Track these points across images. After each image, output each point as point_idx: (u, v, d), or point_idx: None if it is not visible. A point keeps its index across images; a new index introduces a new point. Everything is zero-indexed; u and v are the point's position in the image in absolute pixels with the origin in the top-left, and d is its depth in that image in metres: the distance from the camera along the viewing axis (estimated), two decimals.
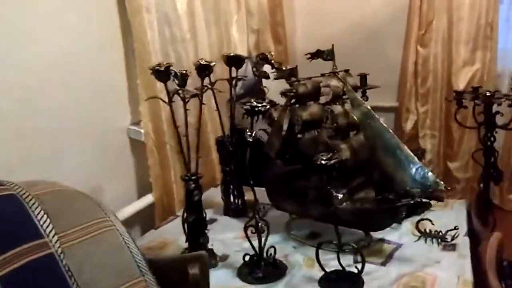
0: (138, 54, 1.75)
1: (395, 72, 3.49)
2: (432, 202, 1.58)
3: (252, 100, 1.17)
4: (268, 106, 1.19)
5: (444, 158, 3.46)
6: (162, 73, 1.22)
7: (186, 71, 1.32)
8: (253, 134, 1.18)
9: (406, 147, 1.26)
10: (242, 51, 2.49)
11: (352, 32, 3.51)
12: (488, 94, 1.69)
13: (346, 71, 1.49)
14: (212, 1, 2.19)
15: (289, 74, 1.54)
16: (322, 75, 1.42)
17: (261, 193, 1.57)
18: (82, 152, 1.67)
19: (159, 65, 1.22)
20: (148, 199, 1.93)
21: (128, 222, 1.88)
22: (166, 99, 1.29)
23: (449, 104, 3.25)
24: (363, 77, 1.67)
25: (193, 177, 1.35)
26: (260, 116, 1.21)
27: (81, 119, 1.66)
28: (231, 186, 1.80)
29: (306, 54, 1.54)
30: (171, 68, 1.24)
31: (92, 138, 1.72)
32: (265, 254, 1.37)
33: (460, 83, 3.21)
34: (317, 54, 1.50)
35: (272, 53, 2.20)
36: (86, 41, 1.65)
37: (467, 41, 3.13)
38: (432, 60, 3.28)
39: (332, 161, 1.13)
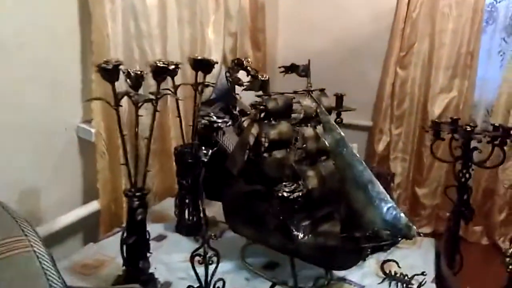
0: (96, 47, 1.57)
1: (372, 91, 3.42)
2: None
3: (211, 113, 1.02)
4: (229, 123, 1.04)
5: (412, 183, 3.42)
6: (109, 72, 1.05)
7: (141, 71, 1.15)
8: (209, 153, 1.02)
9: (378, 183, 1.14)
10: (217, 54, 2.34)
11: (334, 45, 3.43)
12: (468, 128, 1.60)
13: (322, 90, 1.36)
14: None
15: (260, 87, 1.39)
16: (295, 92, 1.28)
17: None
18: (19, 148, 1.48)
19: (107, 62, 1.04)
20: (94, 206, 1.75)
21: (70, 230, 1.70)
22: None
23: (422, 129, 3.22)
24: (339, 97, 1.54)
25: (138, 194, 1.18)
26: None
27: (23, 112, 1.47)
28: (187, 201, 1.64)
29: (280, 67, 1.40)
30: (121, 66, 1.06)
31: (34, 134, 1.53)
32: None
33: (436, 109, 3.18)
34: (291, 69, 1.37)
35: (249, 59, 2.06)
36: (36, 26, 1.46)
37: (447, 67, 3.10)
38: (410, 83, 3.23)
39: (296, 194, 0.99)
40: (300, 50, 3.56)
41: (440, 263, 1.40)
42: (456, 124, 1.71)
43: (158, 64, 1.12)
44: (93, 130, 1.65)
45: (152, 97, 1.14)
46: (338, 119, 1.50)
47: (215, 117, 1.02)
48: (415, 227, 1.10)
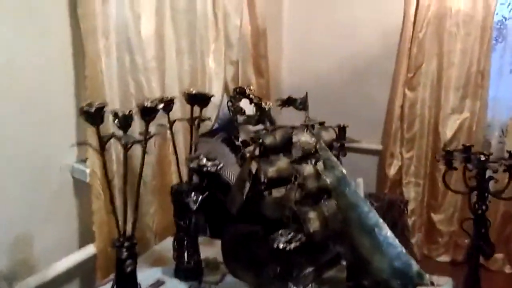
0: (89, 82, 1.52)
1: (381, 113, 3.34)
2: None
3: (202, 156, 0.95)
4: (220, 166, 0.96)
5: (427, 209, 3.27)
6: (92, 116, 0.99)
7: (130, 111, 1.09)
8: (199, 200, 0.95)
9: (385, 225, 1.04)
10: (218, 84, 2.30)
11: (339, 67, 3.37)
12: (482, 158, 1.49)
13: (322, 124, 1.28)
14: (186, 27, 1.98)
15: (257, 121, 1.32)
16: (293, 127, 1.21)
17: None
18: (9, 191, 1.42)
19: (89, 104, 0.99)
20: (90, 250, 1.67)
21: (65, 276, 1.62)
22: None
23: (435, 152, 3.11)
24: (341, 129, 1.45)
25: (127, 244, 1.10)
26: None
27: (13, 150, 1.41)
28: (185, 243, 1.55)
29: (277, 101, 1.33)
30: (105, 108, 1.01)
31: (25, 174, 1.47)
32: None
33: (448, 131, 3.07)
34: (288, 102, 1.30)
35: (252, 87, 2.01)
36: (28, 60, 1.42)
37: (457, 88, 3.00)
38: (419, 105, 3.13)
39: (293, 245, 0.90)
40: (305, 74, 3.51)
41: None
42: (469, 152, 1.60)
43: (145, 104, 1.05)
44: (87, 170, 1.58)
45: (141, 138, 1.07)
46: (342, 153, 1.41)
47: (204, 160, 0.94)
48: (427, 275, 1.00)
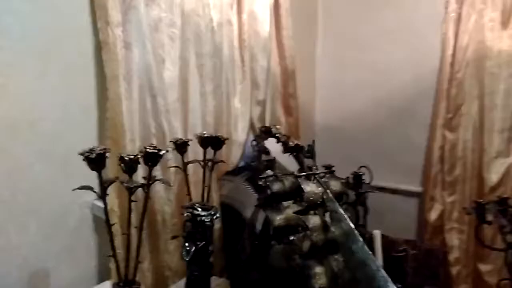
0: (110, 125, 1.57)
1: (419, 154, 3.19)
2: None
3: (196, 205, 0.93)
4: (216, 216, 0.93)
5: (474, 258, 3.02)
6: (93, 161, 1.01)
7: (137, 155, 1.10)
8: (192, 251, 0.91)
9: (395, 287, 0.95)
10: (243, 123, 2.30)
11: (375, 108, 3.29)
12: None
13: (330, 171, 1.22)
14: (212, 70, 2.03)
15: (266, 167, 1.29)
16: (296, 176, 1.16)
17: None
18: (28, 227, 1.47)
19: (91, 150, 1.01)
20: (108, 286, 1.67)
21: None
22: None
23: (480, 197, 2.89)
24: (357, 176, 1.39)
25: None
26: None
27: (33, 189, 1.47)
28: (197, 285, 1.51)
29: (282, 149, 1.30)
30: (106, 153, 1.02)
31: (45, 212, 1.51)
32: None
33: (493, 175, 2.86)
34: (296, 150, 1.26)
35: (278, 126, 2.00)
36: (50, 103, 1.50)
37: (501, 130, 2.81)
38: (461, 147, 2.95)
39: None
40: (339, 114, 3.46)
41: None
42: (506, 205, 1.47)
43: (148, 150, 1.06)
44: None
45: (144, 182, 1.08)
46: (358, 200, 1.34)
47: (200, 209, 0.92)
48: None
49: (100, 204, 1.67)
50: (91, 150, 1.01)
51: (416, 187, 3.22)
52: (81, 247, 1.65)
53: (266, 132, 1.92)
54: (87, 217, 1.66)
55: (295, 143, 1.33)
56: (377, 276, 0.96)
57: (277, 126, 1.96)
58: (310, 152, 1.21)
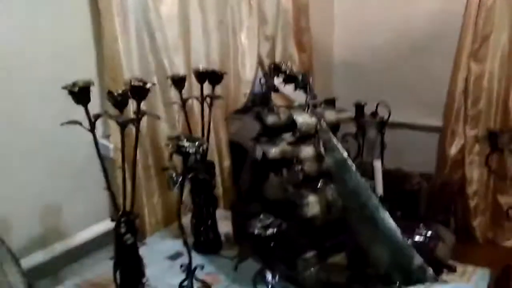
0: (107, 63, 1.55)
1: (442, 88, 3.05)
2: None
3: (181, 136, 0.91)
4: (204, 147, 0.92)
5: (494, 191, 2.96)
6: (78, 95, 1.00)
7: (126, 90, 1.08)
8: (178, 181, 0.91)
9: (388, 214, 0.94)
10: (251, 60, 2.23)
11: (396, 42, 3.12)
12: None
13: (329, 101, 1.17)
14: (215, 4, 1.94)
15: (261, 100, 1.25)
16: (289, 107, 1.12)
17: None
18: (37, 165, 1.52)
19: (74, 84, 1.00)
20: None
21: (94, 243, 1.71)
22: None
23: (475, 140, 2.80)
24: (359, 107, 1.33)
25: (123, 218, 1.12)
26: None
27: (39, 128, 1.50)
28: (202, 218, 1.56)
29: (279, 77, 1.25)
30: (90, 86, 1.01)
31: (53, 150, 1.56)
32: None
33: None
34: (290, 79, 1.21)
35: (289, 63, 1.93)
36: (47, 41, 1.48)
37: None
38: (487, 78, 2.80)
39: (270, 231, 0.84)
40: (359, 48, 3.30)
41: None
42: None
43: (133, 84, 1.04)
44: (111, 146, 1.64)
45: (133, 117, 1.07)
46: (358, 131, 1.30)
47: (185, 141, 0.91)
48: (431, 270, 0.89)
49: (105, 142, 1.70)
50: (74, 84, 1.00)
51: (436, 122, 3.12)
52: (91, 184, 1.70)
53: (276, 69, 1.85)
54: (94, 155, 1.70)
55: (290, 73, 1.27)
56: (368, 203, 0.94)
57: (288, 63, 1.88)
58: (304, 82, 1.15)
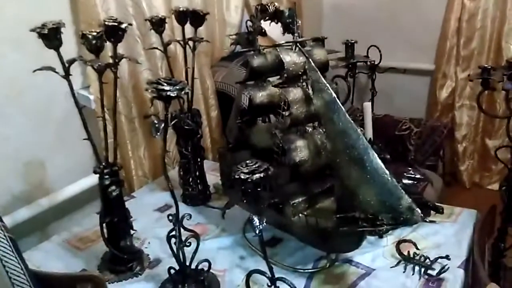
0: (82, 7, 1.44)
1: (435, 29, 2.96)
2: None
3: (161, 80, 0.85)
4: (186, 90, 0.86)
5: (482, 134, 2.97)
6: (47, 37, 0.92)
7: (99, 32, 1.00)
8: (161, 128, 0.86)
9: (376, 156, 0.90)
10: (236, 1, 2.11)
11: None
12: None
13: (318, 39, 1.10)
14: None
15: (247, 40, 1.18)
16: (275, 46, 1.05)
17: None
18: (16, 119, 1.45)
19: (44, 25, 0.91)
20: None
21: (80, 198, 1.68)
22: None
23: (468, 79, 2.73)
24: (349, 45, 1.26)
25: (106, 170, 1.08)
26: None
27: (15, 80, 1.41)
28: (190, 170, 1.53)
29: (262, 14, 1.17)
30: (62, 28, 0.92)
31: (30, 103, 1.48)
32: (195, 268, 1.11)
33: None
34: (275, 16, 1.13)
35: (276, 4, 1.82)
36: None
37: None
38: (480, 16, 2.71)
39: (256, 176, 0.81)
40: None
41: (473, 247, 1.14)
42: None
43: (108, 23, 0.96)
44: (91, 97, 1.57)
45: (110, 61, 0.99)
46: (350, 73, 1.24)
47: (165, 84, 0.85)
48: (418, 210, 0.87)
49: (83, 92, 1.62)
50: (43, 25, 0.91)
51: (428, 65, 3.06)
52: (72, 136, 1.63)
53: (263, 11, 1.74)
54: (74, 106, 1.63)
55: (274, 8, 1.18)
56: (357, 144, 0.91)
57: (275, 4, 1.77)
58: (291, 17, 1.07)
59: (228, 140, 1.33)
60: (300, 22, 1.24)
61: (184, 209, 1.54)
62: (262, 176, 0.81)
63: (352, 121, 0.93)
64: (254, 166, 0.83)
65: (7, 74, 1.41)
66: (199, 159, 1.50)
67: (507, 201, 1.45)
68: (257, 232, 0.85)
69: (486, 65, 1.34)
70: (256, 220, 0.84)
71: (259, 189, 0.83)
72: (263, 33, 1.58)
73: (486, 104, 2.83)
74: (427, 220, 1.10)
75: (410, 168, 2.11)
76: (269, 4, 1.50)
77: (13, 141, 1.45)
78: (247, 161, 0.85)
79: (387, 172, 0.90)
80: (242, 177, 0.81)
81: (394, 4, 3.04)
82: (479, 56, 2.80)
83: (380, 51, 2.82)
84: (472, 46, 2.80)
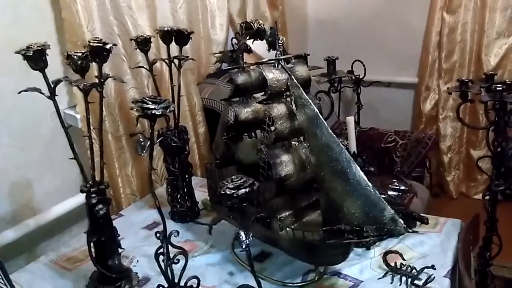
0: (67, 26, 1.46)
1: (417, 44, 3.04)
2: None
3: (146, 98, 0.86)
4: (171, 108, 0.87)
5: (467, 145, 3.03)
6: (33, 59, 0.93)
7: (85, 52, 1.01)
8: (147, 146, 0.88)
9: (359, 168, 0.92)
10: (222, 19, 2.15)
11: None
12: (498, 87, 1.28)
13: (300, 56, 1.13)
14: None
15: (231, 58, 1.20)
16: (258, 63, 1.08)
17: None
18: (7, 139, 1.45)
19: (29, 47, 0.92)
20: None
21: (68, 218, 1.67)
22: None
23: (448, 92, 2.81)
24: (330, 62, 1.29)
25: (93, 189, 1.08)
26: None
27: (1, 99, 1.41)
28: (178, 186, 1.53)
29: (245, 33, 1.19)
30: (46, 49, 0.94)
31: (16, 123, 1.48)
32: (183, 285, 1.10)
33: (492, 58, 2.74)
34: (258, 35, 1.16)
35: (260, 21, 1.86)
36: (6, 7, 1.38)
37: (505, 8, 2.63)
38: (459, 30, 2.80)
39: (241, 191, 0.82)
40: (332, 6, 3.24)
41: (457, 257, 1.16)
42: (491, 81, 1.39)
43: (92, 44, 0.97)
44: (78, 116, 1.57)
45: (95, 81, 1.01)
46: (332, 88, 1.27)
47: (150, 103, 0.86)
48: (401, 221, 0.89)
49: (70, 112, 1.63)
50: (28, 47, 0.92)
51: (412, 78, 3.13)
52: (59, 156, 1.64)
53: (247, 29, 1.78)
54: (60, 126, 1.63)
55: (257, 27, 1.22)
56: (340, 158, 0.93)
57: (259, 21, 1.81)
58: (273, 36, 1.10)
59: (216, 155, 1.34)
60: (284, 38, 1.28)
61: (172, 226, 1.55)
62: (247, 191, 0.83)
63: (334, 135, 0.95)
64: (239, 182, 0.84)
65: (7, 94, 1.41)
66: (187, 176, 1.50)
67: (490, 210, 1.48)
68: (243, 247, 0.85)
69: (464, 78, 1.39)
70: (242, 235, 0.84)
71: (245, 204, 0.84)
72: (249, 50, 1.61)
73: (469, 115, 2.90)
74: (410, 230, 1.12)
75: (395, 180, 2.14)
76: (253, 22, 1.54)
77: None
78: (233, 177, 0.86)
79: (370, 184, 0.92)
80: (228, 192, 0.82)
81: (377, 20, 3.13)
82: (460, 69, 2.88)
83: (364, 65, 2.90)
84: (453, 59, 2.88)
